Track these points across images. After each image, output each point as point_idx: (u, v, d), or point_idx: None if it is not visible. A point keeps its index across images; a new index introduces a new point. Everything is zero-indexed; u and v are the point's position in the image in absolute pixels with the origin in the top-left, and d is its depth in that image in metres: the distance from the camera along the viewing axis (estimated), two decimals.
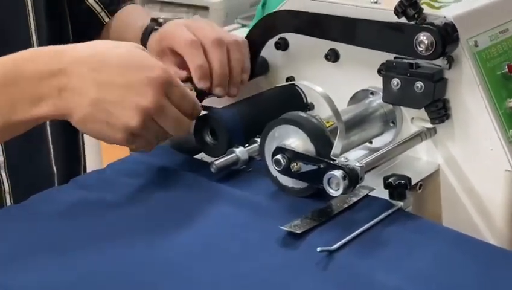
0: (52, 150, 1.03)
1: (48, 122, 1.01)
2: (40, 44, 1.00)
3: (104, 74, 0.74)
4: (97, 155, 2.06)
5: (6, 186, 0.97)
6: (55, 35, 1.03)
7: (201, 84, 0.85)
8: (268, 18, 0.89)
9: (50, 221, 0.73)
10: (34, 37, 1.00)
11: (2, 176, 0.96)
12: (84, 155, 1.13)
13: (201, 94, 0.85)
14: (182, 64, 0.87)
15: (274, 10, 0.89)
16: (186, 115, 0.77)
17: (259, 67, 0.91)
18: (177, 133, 0.78)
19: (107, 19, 1.11)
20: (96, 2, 1.11)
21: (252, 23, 1.92)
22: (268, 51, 0.91)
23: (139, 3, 2.66)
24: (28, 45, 0.98)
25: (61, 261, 0.67)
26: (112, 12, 1.12)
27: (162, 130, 0.76)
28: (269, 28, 0.89)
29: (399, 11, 0.76)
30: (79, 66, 0.74)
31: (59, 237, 0.71)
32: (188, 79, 0.85)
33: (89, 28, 1.10)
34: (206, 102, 0.86)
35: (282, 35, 0.90)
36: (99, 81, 0.73)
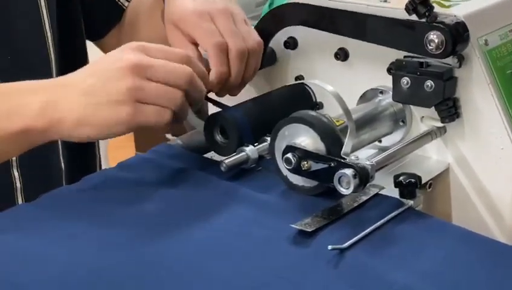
0: (60, 147, 1.03)
1: None
2: (54, 46, 1.01)
3: (85, 84, 0.75)
4: (104, 157, 2.06)
5: (18, 184, 0.97)
6: (66, 36, 1.03)
7: (215, 89, 0.85)
8: (277, 10, 0.89)
9: (61, 218, 0.74)
10: (50, 41, 1.00)
11: (14, 175, 0.97)
12: (99, 151, 1.13)
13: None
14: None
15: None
16: (177, 86, 0.76)
17: (267, 58, 0.91)
18: (171, 105, 0.76)
19: (126, 4, 1.10)
20: None
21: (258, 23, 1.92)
22: (277, 46, 0.91)
23: None
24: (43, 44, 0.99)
25: (72, 257, 0.67)
26: None
27: (160, 87, 0.75)
28: (277, 20, 0.89)
29: (410, 8, 0.76)
30: (62, 88, 0.76)
31: (68, 233, 0.71)
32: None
33: (110, 17, 1.10)
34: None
35: (291, 33, 0.90)
36: (84, 91, 0.75)
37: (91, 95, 0.74)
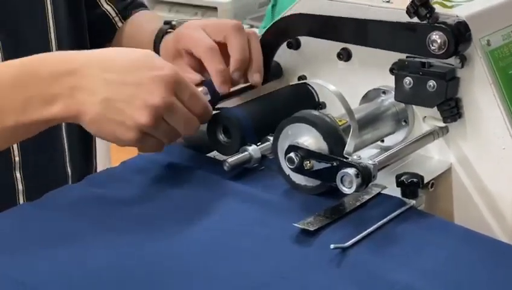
0: (67, 152, 1.04)
1: (63, 124, 1.02)
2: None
3: (114, 74, 0.75)
4: (106, 158, 2.07)
5: (20, 186, 0.97)
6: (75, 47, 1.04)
7: (222, 89, 0.86)
8: (281, 22, 0.89)
9: (62, 217, 0.74)
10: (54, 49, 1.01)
11: (16, 177, 0.97)
12: (95, 157, 1.14)
13: (216, 98, 0.86)
14: (199, 67, 0.88)
15: (286, 13, 0.89)
16: (196, 116, 0.78)
17: (272, 72, 0.91)
18: (187, 132, 0.78)
19: (120, 24, 1.12)
20: (111, 7, 1.12)
21: (262, 24, 1.92)
22: (281, 51, 0.92)
23: (148, 4, 2.67)
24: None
25: (72, 255, 0.68)
26: (125, 18, 1.13)
27: (172, 129, 0.77)
28: (282, 31, 0.89)
29: (411, 11, 0.76)
30: (90, 66, 0.75)
31: (70, 232, 0.71)
32: (203, 82, 0.86)
33: (103, 34, 1.11)
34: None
35: None
36: (110, 80, 0.74)
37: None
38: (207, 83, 0.86)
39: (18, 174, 0.97)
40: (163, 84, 0.74)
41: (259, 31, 0.93)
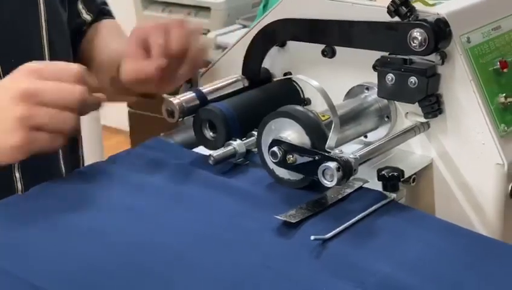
0: (60, 152, 1.05)
1: None
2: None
3: None
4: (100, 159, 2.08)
5: (20, 186, 0.99)
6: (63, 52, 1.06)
7: (159, 61, 0.90)
8: (266, 28, 0.90)
9: (51, 211, 0.75)
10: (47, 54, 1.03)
11: (15, 177, 0.98)
12: (83, 159, 1.15)
13: (205, 103, 0.87)
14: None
15: (270, 14, 0.90)
16: (68, 109, 0.78)
17: (262, 76, 0.92)
18: (63, 128, 0.78)
19: (84, 27, 1.14)
20: (90, 17, 1.14)
21: (252, 24, 1.93)
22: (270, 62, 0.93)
23: (140, 4, 2.67)
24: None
25: (63, 250, 0.69)
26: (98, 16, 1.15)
27: (54, 113, 0.77)
28: (268, 38, 0.91)
29: (391, 10, 0.78)
30: None
31: (60, 226, 0.73)
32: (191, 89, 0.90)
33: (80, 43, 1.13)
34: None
35: None
36: None
37: None
38: (194, 89, 0.87)
39: (17, 174, 0.99)
40: (25, 72, 0.78)
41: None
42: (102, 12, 1.16)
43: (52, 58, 1.03)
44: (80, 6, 1.13)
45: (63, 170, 1.06)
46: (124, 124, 2.77)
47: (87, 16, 1.13)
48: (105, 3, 1.18)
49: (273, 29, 0.90)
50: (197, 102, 0.86)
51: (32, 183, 0.98)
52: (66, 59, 1.06)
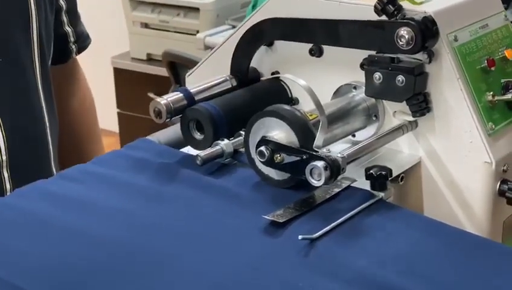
0: (52, 153, 1.05)
1: (47, 122, 1.03)
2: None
3: None
4: None
5: (8, 186, 0.98)
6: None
7: None
8: (254, 28, 0.90)
9: (34, 211, 0.75)
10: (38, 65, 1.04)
11: (3, 176, 0.97)
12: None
13: (192, 104, 0.86)
14: None
15: (258, 14, 0.89)
16: None
17: (250, 76, 0.92)
18: None
19: (74, 53, 1.19)
20: (72, 30, 1.17)
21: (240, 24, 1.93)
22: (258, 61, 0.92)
23: (129, 5, 2.67)
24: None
25: (44, 250, 0.69)
26: (80, 49, 1.19)
27: None
28: (256, 37, 0.90)
29: (378, 8, 0.78)
30: None
31: (41, 227, 0.72)
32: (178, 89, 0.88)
33: (56, 54, 1.15)
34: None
35: None
36: None
37: None
38: (182, 89, 0.86)
39: (5, 173, 0.98)
40: None
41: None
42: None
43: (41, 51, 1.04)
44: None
45: (54, 170, 1.05)
46: (113, 125, 2.77)
47: (68, 29, 1.14)
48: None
49: (260, 28, 0.90)
50: (185, 102, 0.85)
51: (21, 183, 0.98)
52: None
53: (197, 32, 2.38)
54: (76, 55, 1.22)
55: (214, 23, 2.44)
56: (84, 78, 1.28)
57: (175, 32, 2.52)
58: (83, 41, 1.22)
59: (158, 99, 0.84)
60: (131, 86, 2.64)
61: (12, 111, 0.98)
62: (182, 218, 0.74)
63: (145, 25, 2.55)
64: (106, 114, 2.87)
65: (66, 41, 1.18)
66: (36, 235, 0.70)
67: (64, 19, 1.15)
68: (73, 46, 1.19)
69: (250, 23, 0.90)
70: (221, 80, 0.91)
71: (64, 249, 0.68)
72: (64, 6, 1.15)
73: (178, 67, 2.17)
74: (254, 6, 1.85)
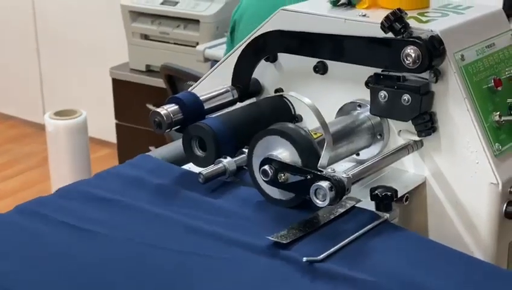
0: None
1: None
2: None
3: None
4: (87, 173, 2.06)
5: None
6: None
7: None
8: (257, 39, 0.89)
9: (24, 228, 0.74)
10: None
11: None
12: None
13: (188, 115, 0.84)
14: None
15: (263, 27, 0.88)
16: None
17: (252, 89, 0.91)
18: None
19: None
20: None
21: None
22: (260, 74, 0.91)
23: (130, 17, 2.66)
24: None
25: (31, 263, 0.69)
26: None
27: None
28: (258, 49, 0.89)
29: (385, 25, 0.77)
30: None
31: (31, 245, 0.72)
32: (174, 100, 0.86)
33: None
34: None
35: None
36: None
37: None
38: (179, 101, 0.84)
39: None
40: None
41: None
42: None
43: None
44: None
45: None
46: (111, 136, 2.75)
47: None
48: None
49: (265, 39, 0.88)
50: (181, 115, 0.84)
51: None
52: None
53: (197, 44, 2.37)
54: None
55: (213, 35, 2.43)
56: None
57: (175, 44, 2.51)
58: None
59: (158, 110, 0.83)
60: (129, 97, 2.62)
61: None
62: (185, 236, 0.72)
63: (145, 37, 2.55)
64: (104, 125, 2.86)
65: None
66: (24, 253, 0.70)
67: None
68: None
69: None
70: (222, 90, 0.90)
71: (50, 261, 0.68)
72: None
73: (176, 80, 2.17)
74: (232, 33, 1.81)
